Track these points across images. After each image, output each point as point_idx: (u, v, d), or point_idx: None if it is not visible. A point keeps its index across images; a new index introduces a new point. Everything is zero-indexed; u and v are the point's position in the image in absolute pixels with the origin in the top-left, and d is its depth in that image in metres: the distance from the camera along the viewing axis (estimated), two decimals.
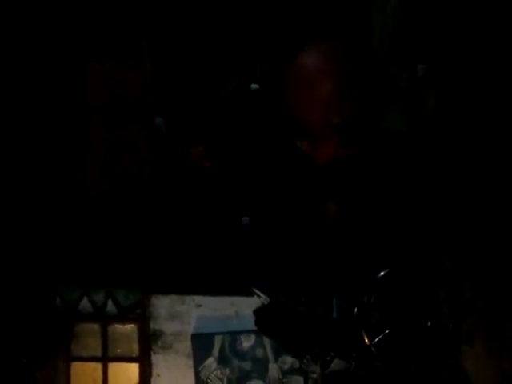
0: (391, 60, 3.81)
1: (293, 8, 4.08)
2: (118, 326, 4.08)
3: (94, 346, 4.08)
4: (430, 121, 3.80)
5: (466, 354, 3.30)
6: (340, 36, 3.89)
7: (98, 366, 4.09)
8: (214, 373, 3.98)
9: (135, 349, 4.07)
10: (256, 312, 3.79)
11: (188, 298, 4.02)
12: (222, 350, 3.96)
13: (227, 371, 3.97)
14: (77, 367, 4.10)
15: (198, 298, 4.01)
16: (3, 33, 4.08)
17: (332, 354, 3.43)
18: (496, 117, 3.66)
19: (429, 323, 3.27)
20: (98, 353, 4.08)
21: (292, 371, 3.90)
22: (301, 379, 3.85)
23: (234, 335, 3.95)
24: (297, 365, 3.83)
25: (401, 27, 3.67)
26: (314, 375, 3.69)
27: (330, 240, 3.76)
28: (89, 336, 4.08)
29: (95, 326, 4.07)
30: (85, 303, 4.07)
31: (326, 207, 3.83)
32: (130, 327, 4.07)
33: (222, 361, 3.97)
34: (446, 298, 3.31)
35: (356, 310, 3.36)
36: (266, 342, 3.90)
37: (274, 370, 3.94)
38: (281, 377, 3.93)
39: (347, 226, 3.70)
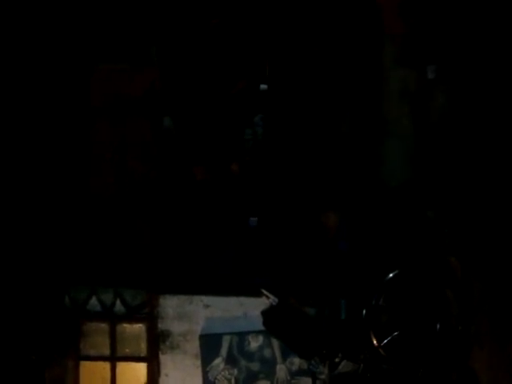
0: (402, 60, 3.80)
1: (299, 10, 4.07)
2: (127, 326, 4.09)
3: (103, 345, 4.09)
4: (438, 121, 3.78)
5: (475, 356, 3.29)
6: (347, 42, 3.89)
7: (107, 365, 4.10)
8: (222, 373, 3.98)
9: (143, 348, 4.07)
10: (264, 313, 3.80)
11: (196, 299, 4.02)
12: (229, 351, 3.96)
13: (235, 371, 3.98)
14: (85, 366, 4.11)
15: (206, 299, 4.01)
16: (12, 34, 4.09)
17: (340, 355, 3.43)
18: (504, 117, 3.64)
19: (438, 325, 3.27)
20: (107, 352, 4.09)
21: (300, 372, 3.89)
22: (309, 380, 3.86)
23: (242, 336, 3.95)
24: (305, 366, 3.83)
25: (411, 28, 3.66)
26: (322, 376, 3.70)
27: (336, 244, 3.77)
28: (97, 335, 4.09)
29: (104, 326, 4.08)
30: (93, 302, 4.07)
31: (326, 217, 3.83)
32: (139, 327, 4.08)
33: (230, 361, 3.97)
34: (455, 300, 3.31)
35: (364, 311, 3.36)
36: (274, 342, 3.90)
37: (281, 370, 3.93)
38: (289, 378, 3.92)
39: (352, 230, 3.70)
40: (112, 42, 4.19)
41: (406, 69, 3.84)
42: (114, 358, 4.10)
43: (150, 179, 4.18)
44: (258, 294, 3.81)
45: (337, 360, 3.39)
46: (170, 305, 4.05)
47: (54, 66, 4.14)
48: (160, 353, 4.06)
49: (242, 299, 3.95)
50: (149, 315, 4.06)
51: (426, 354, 3.24)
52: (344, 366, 3.44)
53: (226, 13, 4.16)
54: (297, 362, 3.87)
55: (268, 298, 3.74)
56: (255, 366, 3.95)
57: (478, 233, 3.46)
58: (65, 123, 4.17)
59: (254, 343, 3.95)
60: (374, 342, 3.27)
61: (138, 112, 4.19)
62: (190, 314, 4.03)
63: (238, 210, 4.15)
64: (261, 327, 3.85)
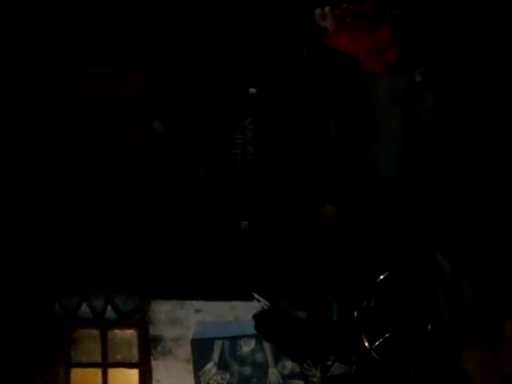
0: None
1: (290, 13, 4.09)
2: (118, 332, 4.07)
3: (94, 351, 4.06)
4: (428, 124, 3.80)
5: (467, 356, 3.29)
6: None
7: (98, 371, 4.08)
8: (214, 378, 3.97)
9: (135, 354, 4.05)
10: (256, 317, 3.79)
11: (188, 303, 4.01)
12: (221, 355, 3.96)
13: (227, 376, 3.97)
14: (77, 373, 4.08)
15: (197, 303, 4.00)
16: (2, 37, 4.08)
17: (332, 358, 3.43)
18: (494, 118, 3.66)
19: (429, 327, 3.27)
20: (98, 359, 4.06)
21: (292, 376, 3.89)
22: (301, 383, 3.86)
23: (234, 340, 3.94)
24: (297, 369, 3.82)
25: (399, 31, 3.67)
26: (315, 379, 3.69)
27: (328, 245, 3.77)
28: (88, 342, 4.07)
29: (95, 332, 4.06)
30: (84, 309, 4.05)
31: (323, 209, 3.83)
32: (130, 333, 4.06)
33: (222, 366, 3.96)
34: (446, 301, 3.31)
35: (356, 313, 3.36)
36: (266, 346, 3.90)
37: (273, 374, 3.93)
38: (281, 381, 3.92)
39: (345, 231, 3.70)
40: (103, 46, 4.19)
41: (394, 71, 3.86)
42: (105, 365, 4.07)
43: (142, 183, 4.17)
44: (249, 298, 3.80)
45: (329, 363, 3.39)
46: (162, 310, 4.03)
47: (46, 70, 4.13)
48: (152, 358, 4.04)
49: (234, 303, 3.94)
50: (140, 321, 4.05)
51: (417, 355, 3.24)
52: (336, 368, 3.44)
53: (215, 16, 4.17)
54: (289, 365, 3.87)
55: (259, 301, 3.73)
56: (247, 370, 3.95)
57: (467, 232, 3.47)
58: (56, 127, 4.16)
59: (246, 347, 3.94)
60: (366, 344, 3.26)
61: (129, 115, 4.19)
62: (181, 319, 4.02)
63: (228, 214, 4.15)
64: (252, 331, 3.84)
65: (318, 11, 3.48)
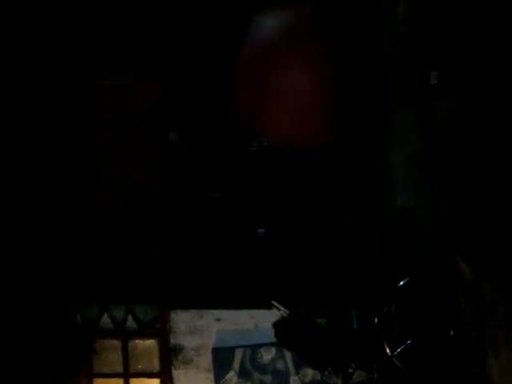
0: (403, 66, 3.79)
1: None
2: (139, 342, 4.09)
3: (115, 362, 4.09)
4: (442, 127, 3.76)
5: (491, 363, 3.24)
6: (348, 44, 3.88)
7: (120, 381, 4.10)
8: None
9: (156, 364, 4.07)
10: (276, 325, 3.78)
11: (207, 312, 4.01)
12: (242, 364, 3.95)
13: None
14: (99, 383, 4.10)
15: (217, 312, 4.00)
16: (14, 49, 4.12)
17: (353, 365, 3.40)
18: (509, 122, 3.61)
19: (451, 332, 3.23)
20: (120, 369, 4.09)
21: None
22: None
23: (255, 348, 3.93)
24: (318, 377, 3.80)
25: (411, 33, 3.64)
26: None
27: (348, 251, 3.74)
28: (110, 352, 4.09)
29: (116, 342, 4.08)
30: (105, 319, 4.08)
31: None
32: (151, 342, 4.08)
33: (243, 374, 3.95)
34: (467, 306, 3.27)
35: (376, 320, 3.33)
36: (287, 354, 3.88)
37: (295, 382, 3.91)
38: None
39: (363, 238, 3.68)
40: (116, 56, 4.21)
41: (408, 75, 3.83)
42: (127, 375, 4.09)
43: (158, 193, 4.19)
44: (269, 306, 3.79)
45: (350, 370, 3.36)
46: (182, 319, 4.04)
47: (59, 81, 4.17)
48: (173, 368, 4.05)
49: (253, 312, 3.93)
50: (161, 330, 4.06)
51: (440, 361, 3.20)
52: (358, 376, 3.41)
53: (228, 26, 4.18)
54: (310, 373, 3.85)
55: (279, 309, 3.72)
56: (268, 379, 3.93)
57: (488, 235, 3.43)
58: (70, 138, 4.19)
59: (267, 356, 3.93)
60: (387, 350, 3.23)
61: (142, 125, 4.21)
62: (201, 328, 4.02)
63: (245, 222, 4.15)
64: (273, 339, 3.83)
65: None
